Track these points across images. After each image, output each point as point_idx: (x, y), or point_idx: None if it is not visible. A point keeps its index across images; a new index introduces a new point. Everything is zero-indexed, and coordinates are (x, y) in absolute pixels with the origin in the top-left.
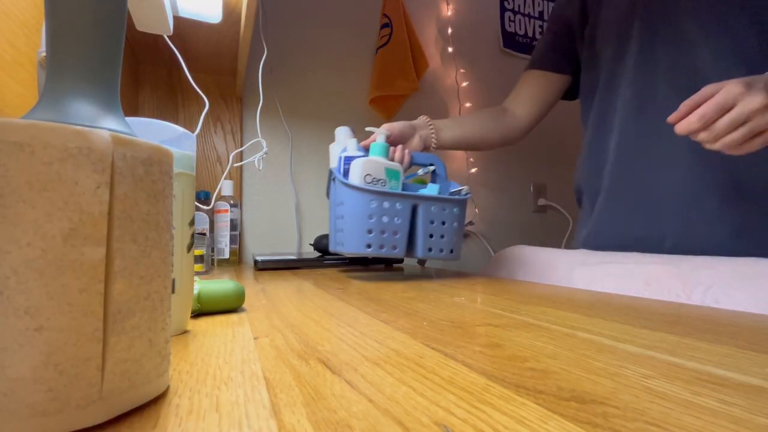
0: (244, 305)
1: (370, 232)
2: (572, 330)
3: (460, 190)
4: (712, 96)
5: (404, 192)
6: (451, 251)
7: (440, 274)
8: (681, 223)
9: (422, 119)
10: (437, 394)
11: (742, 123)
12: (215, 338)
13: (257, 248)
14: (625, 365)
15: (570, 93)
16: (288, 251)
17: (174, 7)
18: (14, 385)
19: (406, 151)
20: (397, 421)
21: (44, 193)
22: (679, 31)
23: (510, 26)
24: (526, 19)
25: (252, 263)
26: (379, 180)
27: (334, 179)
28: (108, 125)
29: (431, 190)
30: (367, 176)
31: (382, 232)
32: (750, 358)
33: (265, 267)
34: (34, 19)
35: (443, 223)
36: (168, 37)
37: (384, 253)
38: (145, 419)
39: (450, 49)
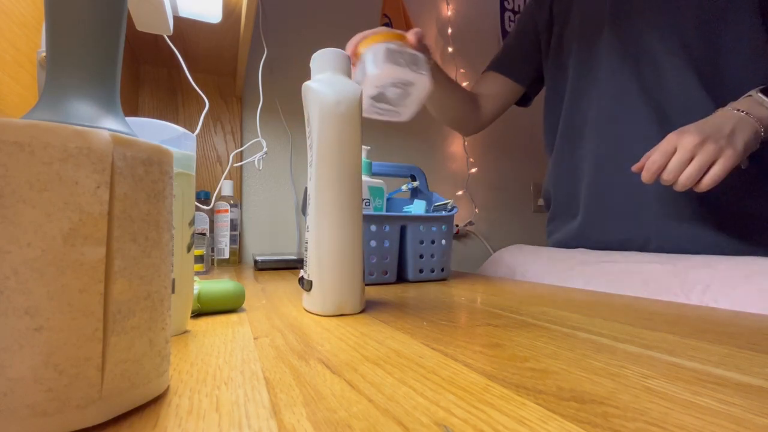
0: (244, 305)
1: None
2: (572, 330)
3: (446, 204)
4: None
5: (392, 213)
6: (442, 270)
7: None
8: (663, 225)
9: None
10: (437, 394)
11: (689, 160)
12: (215, 338)
13: (257, 248)
14: (625, 365)
15: (523, 101)
16: (288, 251)
17: (174, 7)
18: (14, 385)
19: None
20: (397, 421)
21: (44, 193)
22: (644, 43)
23: (510, 26)
24: None
25: (252, 263)
26: (363, 200)
27: None
28: (108, 125)
29: (418, 207)
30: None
31: (371, 258)
32: (750, 358)
33: (265, 267)
34: (34, 19)
35: (432, 242)
36: (168, 37)
37: (374, 279)
38: (145, 419)
39: (450, 49)
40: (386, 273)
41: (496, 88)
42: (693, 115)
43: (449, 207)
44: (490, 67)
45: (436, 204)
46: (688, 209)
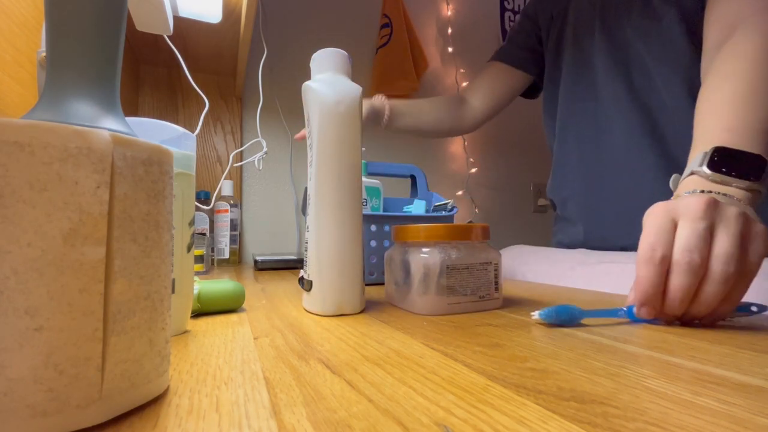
0: (244, 305)
1: None
2: (572, 330)
3: (446, 204)
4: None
5: (393, 213)
6: None
7: None
8: None
9: (378, 97)
10: (437, 394)
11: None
12: (215, 338)
13: (257, 248)
14: (625, 365)
15: (531, 92)
16: (288, 251)
17: (174, 7)
18: (14, 385)
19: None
20: (397, 421)
21: (44, 193)
22: (633, 49)
23: (510, 26)
24: None
25: (252, 263)
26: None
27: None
28: (108, 125)
29: (418, 207)
30: None
31: (371, 258)
32: (750, 358)
33: (265, 267)
34: (34, 19)
35: None
36: (168, 37)
37: (374, 279)
38: (145, 419)
39: (450, 49)
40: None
41: (500, 80)
42: (683, 126)
43: (449, 207)
44: (494, 58)
45: (436, 204)
46: None
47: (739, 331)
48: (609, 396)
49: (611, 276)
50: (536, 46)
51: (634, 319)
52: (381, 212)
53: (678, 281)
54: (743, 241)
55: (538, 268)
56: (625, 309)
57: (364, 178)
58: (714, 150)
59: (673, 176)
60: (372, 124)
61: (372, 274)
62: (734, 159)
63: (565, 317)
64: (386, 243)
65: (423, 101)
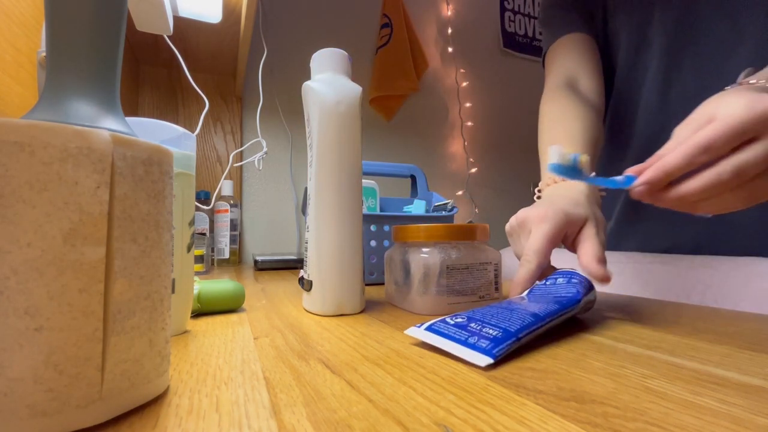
0: (244, 305)
1: None
2: (572, 330)
3: (446, 204)
4: None
5: (392, 213)
6: None
7: None
8: (710, 230)
9: (584, 195)
10: (437, 394)
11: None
12: (215, 338)
13: (257, 248)
14: (625, 365)
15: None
16: (288, 251)
17: (174, 7)
18: (14, 385)
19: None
20: (397, 421)
21: (44, 193)
22: (705, 29)
23: (510, 26)
24: (526, 19)
25: (252, 263)
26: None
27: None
28: (108, 125)
29: (418, 207)
30: None
31: (371, 258)
32: (750, 358)
33: (265, 267)
34: (34, 19)
35: None
36: (168, 37)
37: (374, 279)
38: (145, 419)
39: (450, 49)
40: (373, 274)
41: (590, 48)
42: None
43: (449, 207)
44: (563, 33)
45: (436, 204)
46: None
47: (739, 331)
48: (609, 396)
49: (612, 276)
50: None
51: (624, 185)
52: (377, 212)
53: (713, 186)
54: None
55: None
56: (623, 178)
57: None
58: None
59: (747, 70)
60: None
61: (372, 274)
62: None
63: (570, 170)
64: (386, 243)
65: (576, 129)
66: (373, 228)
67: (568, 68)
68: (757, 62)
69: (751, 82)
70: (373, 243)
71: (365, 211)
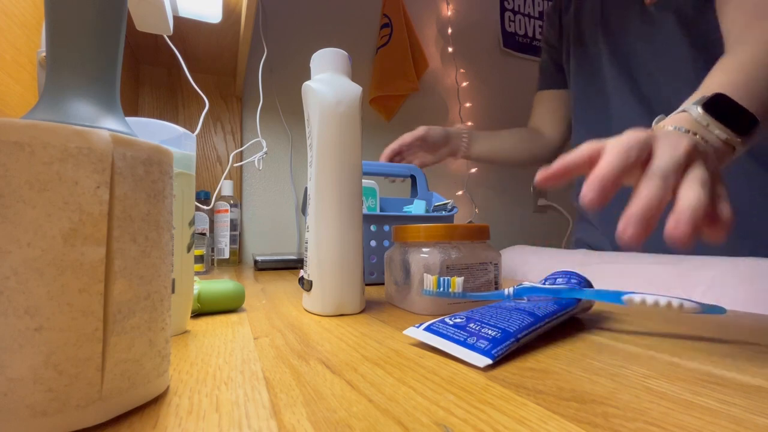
0: (244, 305)
1: None
2: (572, 330)
3: (446, 204)
4: None
5: (392, 213)
6: None
7: None
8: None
9: (459, 127)
10: (437, 394)
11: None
12: (215, 338)
13: (257, 248)
14: (625, 365)
15: None
16: (288, 251)
17: (174, 7)
18: (14, 385)
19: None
20: (397, 421)
21: (44, 193)
22: (636, 58)
23: (510, 26)
24: (526, 19)
25: (252, 263)
26: None
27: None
28: (108, 125)
29: (418, 207)
30: None
31: (371, 258)
32: (750, 358)
33: (265, 267)
34: (34, 19)
35: None
36: (168, 37)
37: (374, 279)
38: (145, 419)
39: (450, 49)
40: (373, 274)
41: (553, 104)
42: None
43: (449, 207)
44: (540, 88)
45: (436, 204)
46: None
47: (739, 331)
48: (609, 396)
49: (612, 277)
50: (564, 64)
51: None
52: (377, 212)
53: (650, 188)
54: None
55: (539, 268)
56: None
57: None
58: (715, 95)
59: (659, 116)
60: (445, 151)
61: (372, 274)
62: (729, 108)
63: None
64: (386, 243)
65: (498, 132)
66: (373, 228)
67: (535, 118)
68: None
69: (666, 126)
70: (373, 243)
71: (365, 211)
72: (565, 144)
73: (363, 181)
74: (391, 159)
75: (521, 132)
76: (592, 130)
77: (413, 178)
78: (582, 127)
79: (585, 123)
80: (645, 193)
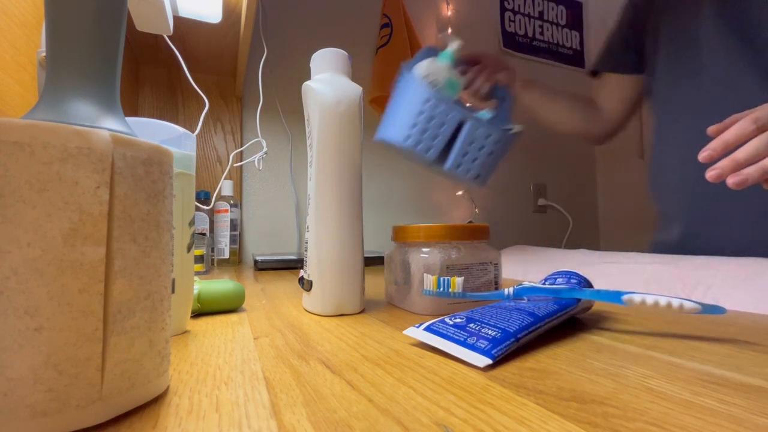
0: (244, 305)
1: (414, 126)
2: (572, 330)
3: (511, 127)
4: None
5: (461, 105)
6: (478, 176)
7: None
8: None
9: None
10: (437, 394)
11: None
12: (215, 338)
13: (257, 248)
14: (625, 365)
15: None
16: (288, 251)
17: (174, 7)
18: (14, 385)
19: (486, 82)
20: (397, 421)
21: (44, 193)
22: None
23: (510, 26)
24: (526, 19)
25: (252, 263)
26: (437, 86)
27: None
28: (108, 125)
29: (485, 115)
30: (428, 77)
31: (424, 131)
32: (750, 358)
33: (265, 267)
34: (34, 19)
35: (481, 148)
36: (168, 37)
37: (418, 150)
38: (145, 419)
39: None
40: (429, 149)
41: (622, 84)
42: None
43: (513, 130)
44: (603, 69)
45: (504, 127)
46: None
47: (739, 331)
48: (609, 396)
49: (612, 277)
50: (638, 40)
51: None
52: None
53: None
54: None
55: (539, 268)
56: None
57: (452, 70)
58: None
59: None
60: (504, 75)
61: (420, 143)
62: None
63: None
64: (444, 127)
65: (563, 91)
66: (440, 109)
67: (599, 92)
68: None
69: None
70: (433, 121)
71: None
72: (622, 127)
73: (453, 75)
74: (467, 66)
75: (583, 99)
76: (686, 110)
77: (500, 98)
78: (668, 107)
79: (671, 104)
80: (734, 130)
